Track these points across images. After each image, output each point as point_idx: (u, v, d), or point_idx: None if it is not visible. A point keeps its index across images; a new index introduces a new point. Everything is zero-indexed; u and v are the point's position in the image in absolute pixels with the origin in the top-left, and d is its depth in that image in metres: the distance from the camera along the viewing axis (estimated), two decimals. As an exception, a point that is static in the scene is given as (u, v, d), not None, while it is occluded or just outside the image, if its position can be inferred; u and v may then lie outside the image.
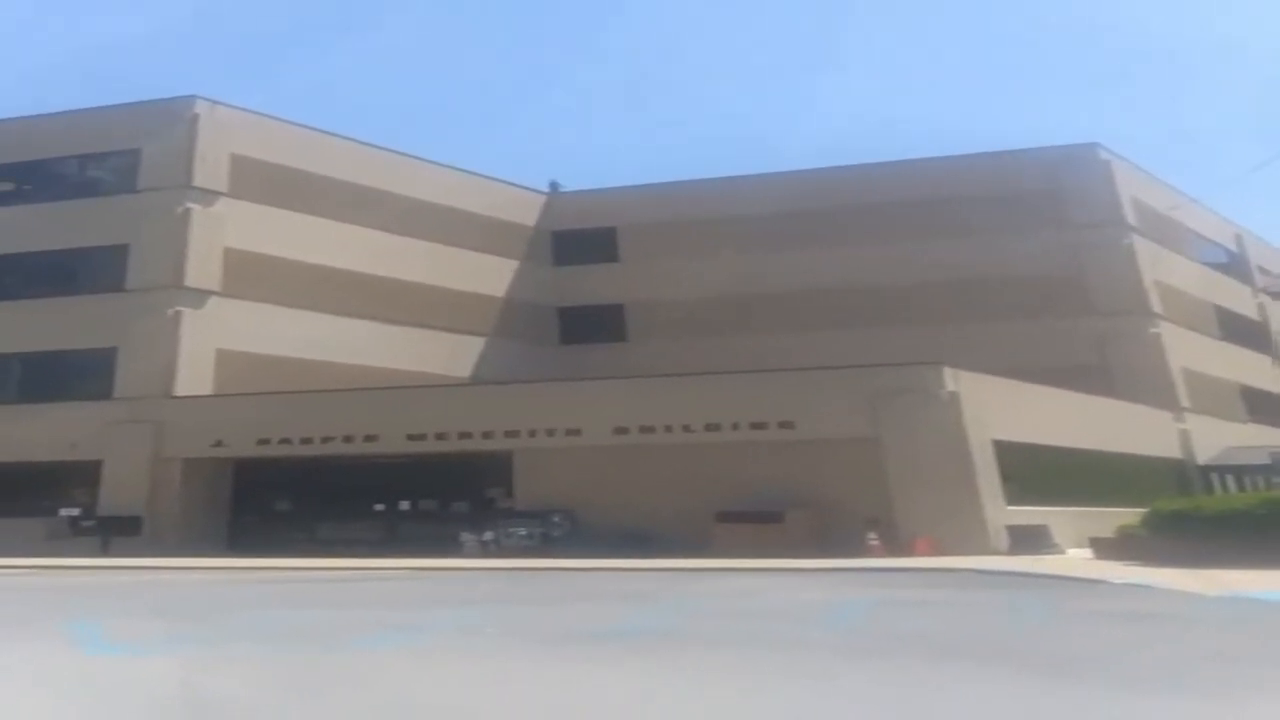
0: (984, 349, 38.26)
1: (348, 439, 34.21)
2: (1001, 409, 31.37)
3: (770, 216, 47.03)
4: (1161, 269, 45.72)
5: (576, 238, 50.14)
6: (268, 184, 40.60)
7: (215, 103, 41.22)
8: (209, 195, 39.38)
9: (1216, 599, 16.35)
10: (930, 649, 11.19)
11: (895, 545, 27.64)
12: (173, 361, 36.67)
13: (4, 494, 36.33)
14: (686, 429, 31.71)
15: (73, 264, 39.74)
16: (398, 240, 43.24)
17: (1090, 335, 42.45)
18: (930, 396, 30.58)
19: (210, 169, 39.74)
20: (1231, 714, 8.03)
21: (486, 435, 33.36)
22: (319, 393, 35.94)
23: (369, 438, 34.13)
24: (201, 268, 38.21)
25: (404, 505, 35.17)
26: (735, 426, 31.33)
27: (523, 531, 31.39)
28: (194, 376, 36.90)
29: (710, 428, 31.53)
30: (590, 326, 48.28)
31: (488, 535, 31.38)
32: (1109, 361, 41.84)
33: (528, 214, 50.03)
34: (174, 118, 40.39)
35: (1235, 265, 54.26)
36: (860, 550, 27.10)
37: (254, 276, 38.89)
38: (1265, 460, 40.47)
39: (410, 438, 33.86)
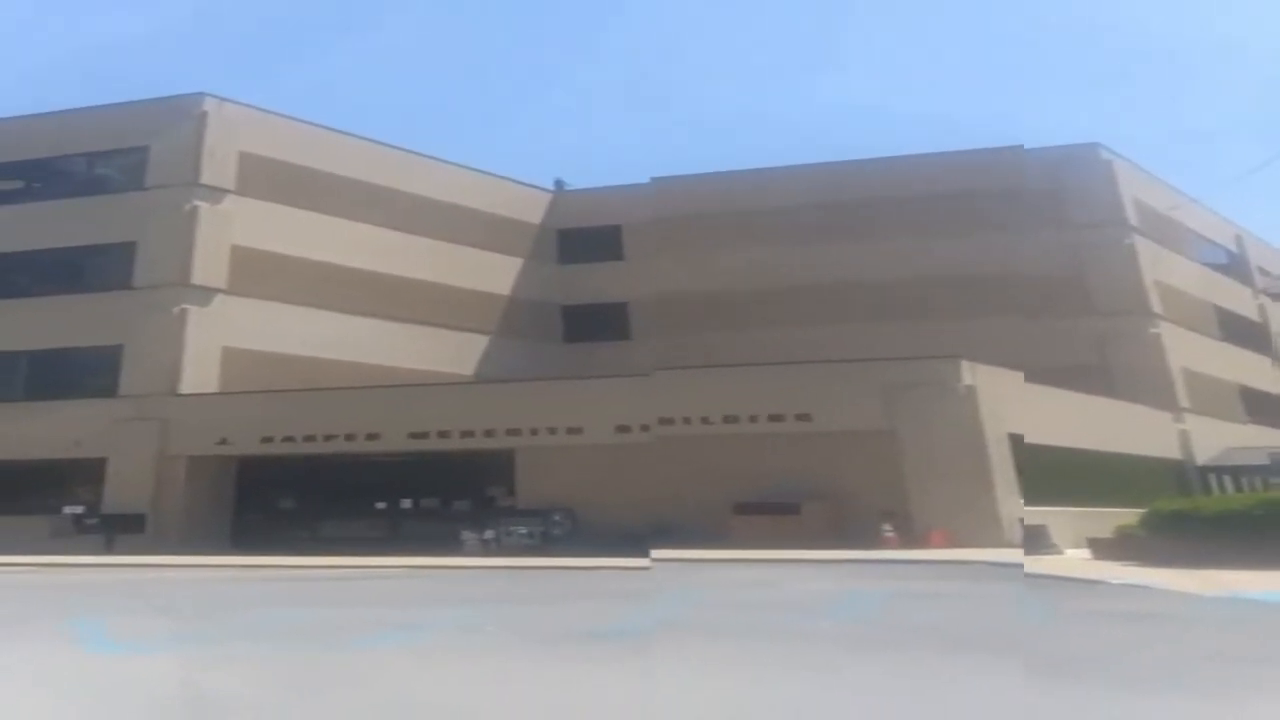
0: (985, 346, 38.05)
1: (350, 437, 34.27)
2: (1013, 404, 31.40)
3: (773, 213, 47.05)
4: (1162, 269, 45.75)
5: (581, 236, 50.17)
6: (275, 181, 40.62)
7: (223, 100, 41.19)
8: (216, 193, 39.41)
9: (1214, 599, 16.40)
10: (942, 643, 11.35)
11: (910, 537, 27.76)
12: (178, 359, 36.72)
13: (8, 491, 36.38)
14: (704, 421, 31.78)
15: (80, 261, 39.79)
16: (403, 238, 43.27)
17: (1090, 335, 42.49)
18: (947, 390, 30.71)
19: (218, 166, 39.77)
20: (1230, 714, 8.14)
21: (488, 434, 33.43)
22: (323, 391, 36.01)
23: (371, 436, 34.20)
24: (208, 265, 38.25)
25: (406, 503, 35.28)
26: (753, 419, 31.42)
27: (524, 530, 31.41)
28: (199, 374, 36.98)
29: (729, 420, 31.62)
30: (595, 324, 48.31)
31: (489, 534, 31.36)
32: (1109, 361, 41.86)
33: (533, 212, 50.05)
34: (182, 115, 40.41)
35: (1235, 266, 54.26)
36: (876, 542, 27.21)
37: (260, 274, 38.95)
38: (1264, 461, 40.46)
39: (412, 436, 33.94)
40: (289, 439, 34.49)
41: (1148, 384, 41.11)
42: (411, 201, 44.26)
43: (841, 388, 31.60)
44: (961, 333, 40.15)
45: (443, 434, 33.75)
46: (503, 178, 49.46)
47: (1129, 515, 25.81)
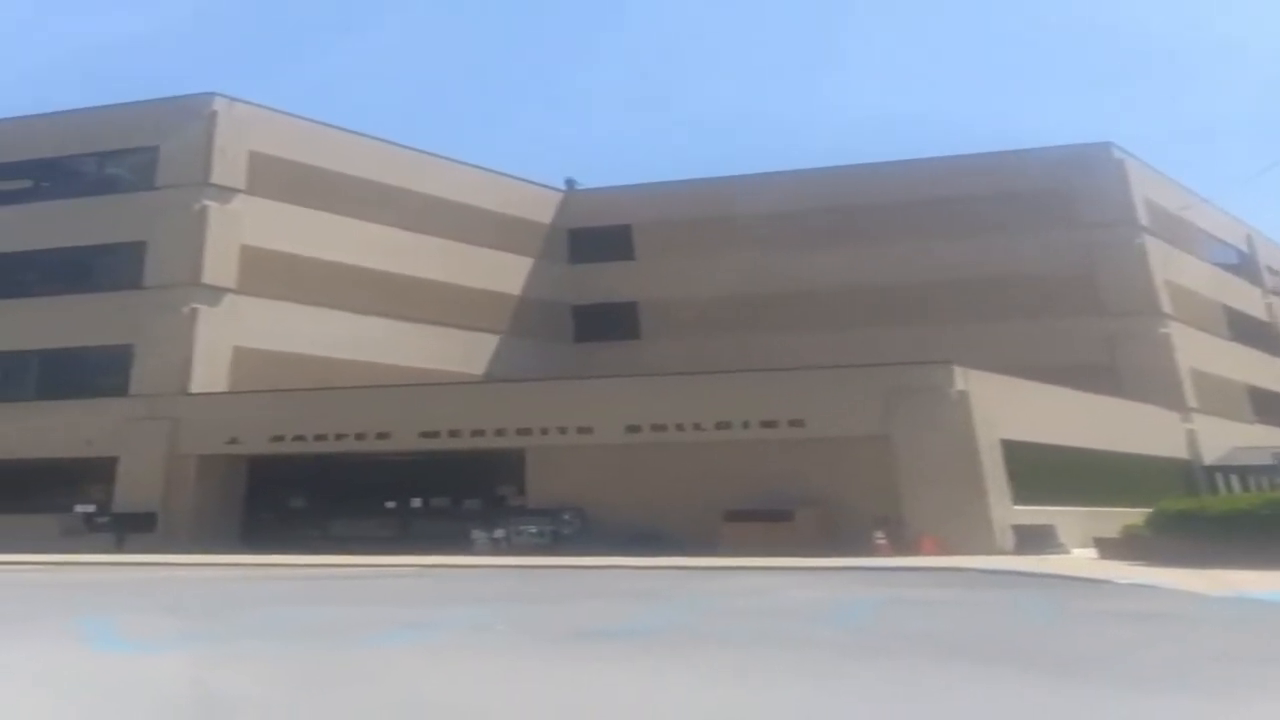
0: (993, 348, 38.27)
1: (361, 436, 34.35)
2: (1010, 408, 31.44)
3: (783, 215, 47.12)
4: (1172, 269, 45.73)
5: (592, 235, 50.20)
6: (285, 181, 40.73)
7: (233, 99, 41.31)
8: (226, 192, 39.54)
9: (1221, 599, 16.40)
10: (936, 648, 11.29)
11: (903, 544, 27.71)
12: (188, 358, 36.86)
13: (20, 490, 36.51)
14: (697, 427, 31.79)
15: (90, 261, 39.90)
16: (413, 237, 43.34)
17: (1099, 335, 42.51)
18: (940, 395, 30.65)
19: (228, 166, 39.90)
20: (1236, 714, 8.14)
21: (499, 433, 33.48)
22: (333, 390, 36.12)
23: (382, 435, 34.28)
24: (218, 265, 38.37)
25: (416, 502, 35.34)
26: (746, 425, 31.39)
27: (534, 529, 31.48)
28: (209, 373, 37.11)
29: (721, 426, 31.60)
30: (604, 324, 48.37)
31: (499, 533, 31.49)
32: (1117, 361, 41.88)
33: (543, 212, 50.11)
34: (192, 115, 40.57)
35: (1245, 266, 54.26)
36: (868, 549, 27.17)
37: (270, 274, 39.08)
38: (1271, 461, 40.48)
39: (423, 435, 34.02)
40: (299, 438, 34.58)
41: (1156, 384, 41.13)
42: (422, 201, 44.32)
43: (834, 394, 31.58)
44: (970, 335, 40.32)
45: (453, 433, 33.82)
46: (513, 177, 49.49)
47: (1136, 515, 25.86)
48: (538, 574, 23.58)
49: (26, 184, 42.23)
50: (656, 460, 31.69)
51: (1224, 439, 42.79)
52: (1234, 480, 40.96)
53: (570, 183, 52.61)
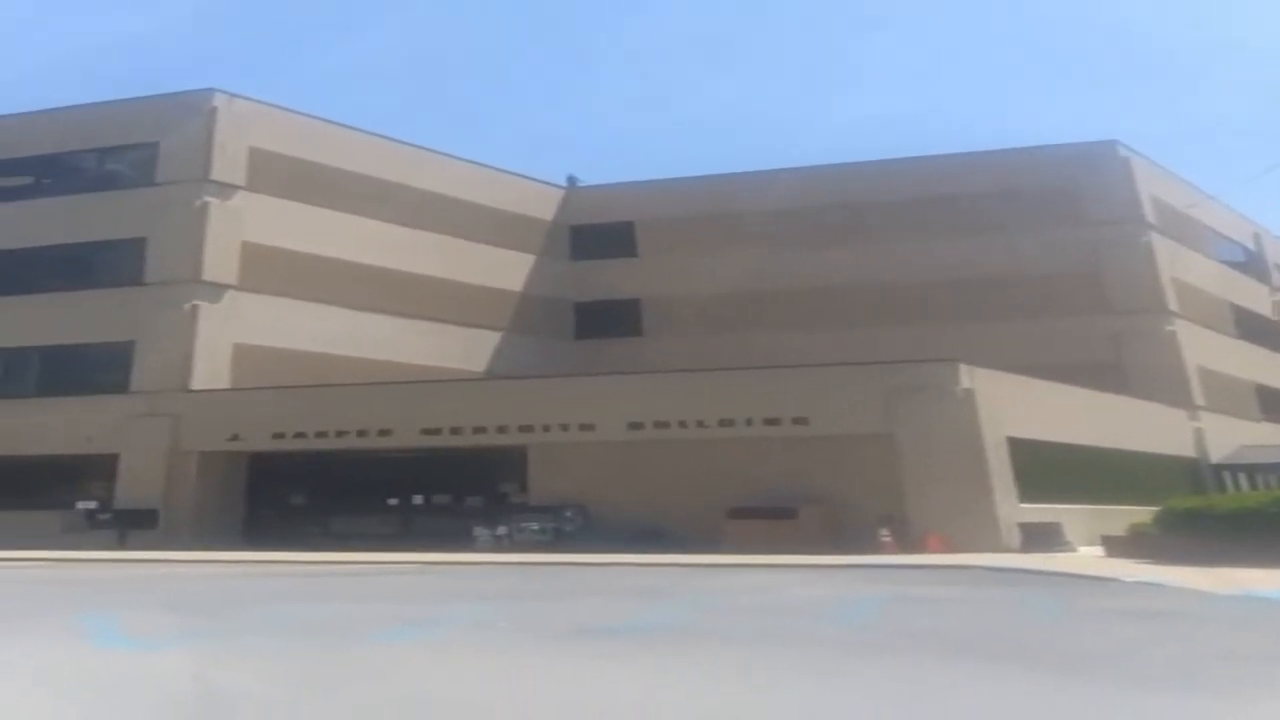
0: (999, 346, 38.20)
1: (362, 433, 34.27)
2: (1016, 406, 31.33)
3: (787, 212, 47.01)
4: (1179, 267, 45.57)
5: (594, 232, 50.09)
6: (285, 177, 40.61)
7: (233, 96, 41.17)
8: (227, 189, 39.42)
9: (1229, 597, 16.35)
10: (942, 646, 11.23)
11: (908, 542, 27.64)
12: (189, 355, 36.78)
13: (21, 487, 36.48)
14: (700, 424, 31.68)
15: (91, 257, 39.83)
16: (414, 234, 43.22)
17: (1106, 333, 42.36)
18: (945, 393, 30.54)
19: (228, 162, 39.79)
20: (1243, 712, 8.09)
21: (501, 430, 33.41)
22: (334, 387, 36.05)
23: (383, 432, 34.21)
24: (219, 261, 38.28)
25: (418, 499, 35.21)
26: (749, 422, 31.28)
27: (536, 526, 31.42)
28: (210, 370, 37.04)
29: (724, 423, 31.50)
30: (606, 321, 48.24)
31: (501, 530, 31.42)
32: (1124, 359, 41.75)
33: (545, 208, 49.97)
34: (192, 111, 40.44)
35: (1253, 264, 54.09)
36: (873, 547, 27.10)
37: (271, 270, 38.98)
38: (1278, 459, 40.39)
39: (425, 432, 33.96)
40: (301, 435, 34.53)
41: (1163, 382, 40.99)
42: (423, 197, 44.20)
43: (838, 391, 31.50)
44: (975, 333, 40.22)
45: (455, 430, 33.75)
46: (514, 174, 49.39)
47: (1143, 513, 25.80)
48: (540, 571, 23.56)
49: (27, 180, 42.19)
50: (659, 457, 31.60)
51: (1231, 437, 42.68)
52: (1242, 478, 40.87)
53: (572, 179, 52.45)
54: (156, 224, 38.89)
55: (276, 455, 35.39)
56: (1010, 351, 37.30)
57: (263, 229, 39.40)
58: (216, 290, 37.95)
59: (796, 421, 30.88)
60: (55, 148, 41.98)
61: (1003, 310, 42.88)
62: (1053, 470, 31.01)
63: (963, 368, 31.10)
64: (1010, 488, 29.83)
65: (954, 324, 41.87)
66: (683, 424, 31.81)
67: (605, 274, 49.12)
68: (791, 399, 31.27)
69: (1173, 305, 43.70)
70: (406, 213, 43.35)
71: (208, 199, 38.85)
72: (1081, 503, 30.64)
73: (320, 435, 34.46)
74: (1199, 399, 42.28)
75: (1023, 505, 29.59)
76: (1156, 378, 41.03)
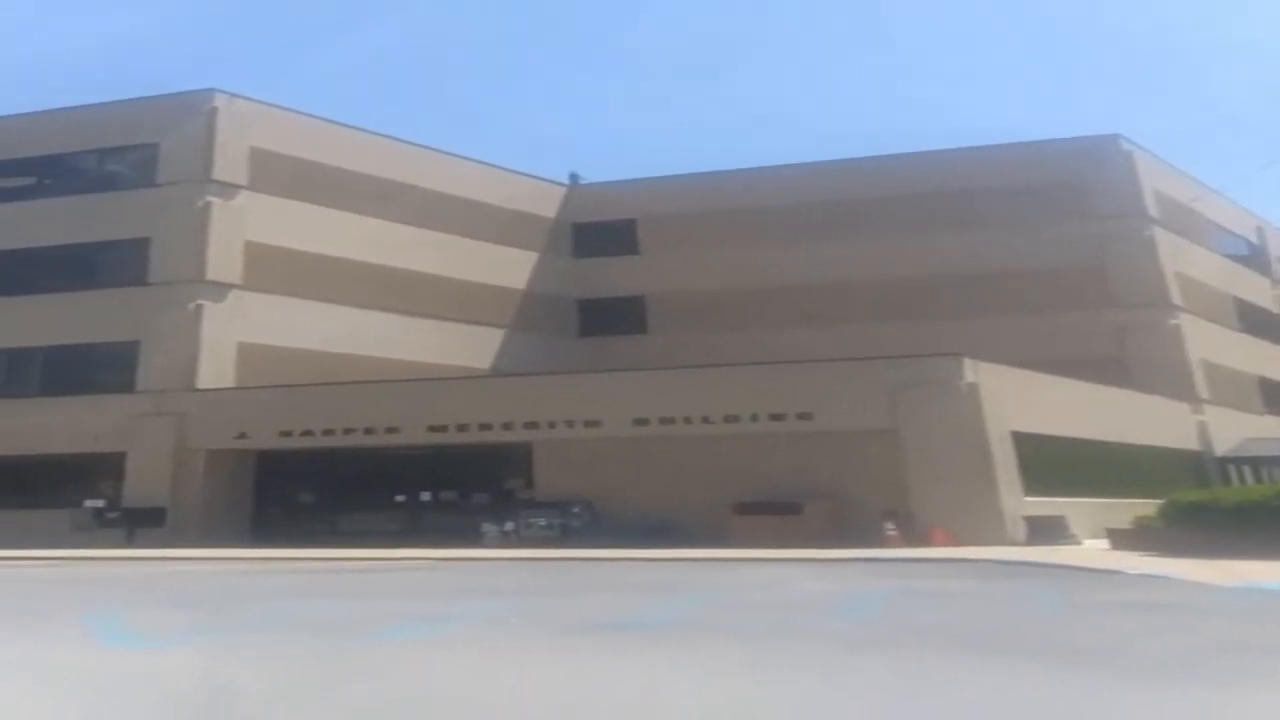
0: (1003, 340, 38.24)
1: (369, 431, 34.31)
2: (1020, 400, 31.37)
3: (790, 208, 47.05)
4: (1182, 261, 45.56)
5: (596, 230, 50.14)
6: (287, 177, 40.58)
7: (234, 96, 41.13)
8: (229, 189, 39.42)
9: (1232, 590, 16.40)
10: (948, 639, 11.29)
11: (913, 536, 27.65)
12: (195, 354, 36.83)
13: (30, 486, 36.72)
14: (706, 420, 31.65)
15: (95, 258, 39.88)
16: (417, 233, 43.16)
17: (1110, 327, 42.37)
18: (949, 388, 30.55)
19: (230, 162, 39.76)
20: (1246, 703, 8.08)
21: (506, 426, 33.46)
22: (340, 385, 36.09)
23: (390, 429, 34.24)
24: (222, 261, 38.30)
25: (425, 496, 35.25)
26: (754, 418, 31.27)
27: (543, 522, 31.45)
28: (216, 369, 37.10)
29: (729, 419, 31.47)
30: (610, 318, 48.31)
31: (508, 526, 31.38)
32: (1128, 353, 41.77)
33: (547, 206, 49.99)
34: (192, 111, 40.40)
35: (1256, 257, 54.08)
36: (878, 541, 27.10)
37: (274, 270, 38.99)
38: (1283, 452, 40.53)
39: (431, 429, 34.01)
40: (307, 433, 34.62)
41: (1167, 375, 40.99)
42: (425, 196, 44.16)
43: (843, 387, 31.48)
44: (979, 328, 40.26)
45: (461, 427, 33.81)
46: (516, 172, 49.40)
47: (1148, 506, 25.83)
48: (548, 567, 23.68)
49: (29, 181, 42.26)
50: (666, 453, 31.63)
51: (1235, 430, 42.69)
52: (1246, 471, 40.94)
53: (574, 177, 52.43)
54: (159, 224, 38.92)
55: (283, 453, 35.51)
56: (1014, 346, 37.36)
57: (265, 229, 39.39)
58: (220, 290, 37.99)
59: (801, 417, 30.89)
60: (57, 148, 41.94)
61: (1006, 305, 42.91)
62: (1057, 464, 31.04)
63: (967, 362, 31.09)
64: (1015, 481, 29.84)
65: (958, 319, 41.91)
66: (688, 420, 31.79)
67: (608, 271, 49.19)
68: (796, 394, 31.29)
69: (1176, 299, 43.71)
70: (409, 211, 43.33)
71: (210, 199, 38.84)
72: (1086, 496, 30.64)
73: (327, 433, 34.54)
74: (1203, 392, 42.30)
75: (1028, 499, 29.58)
76: (1160, 371, 41.05)
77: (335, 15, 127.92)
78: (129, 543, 32.39)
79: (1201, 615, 13.79)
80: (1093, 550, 25.20)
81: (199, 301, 37.41)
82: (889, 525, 27.69)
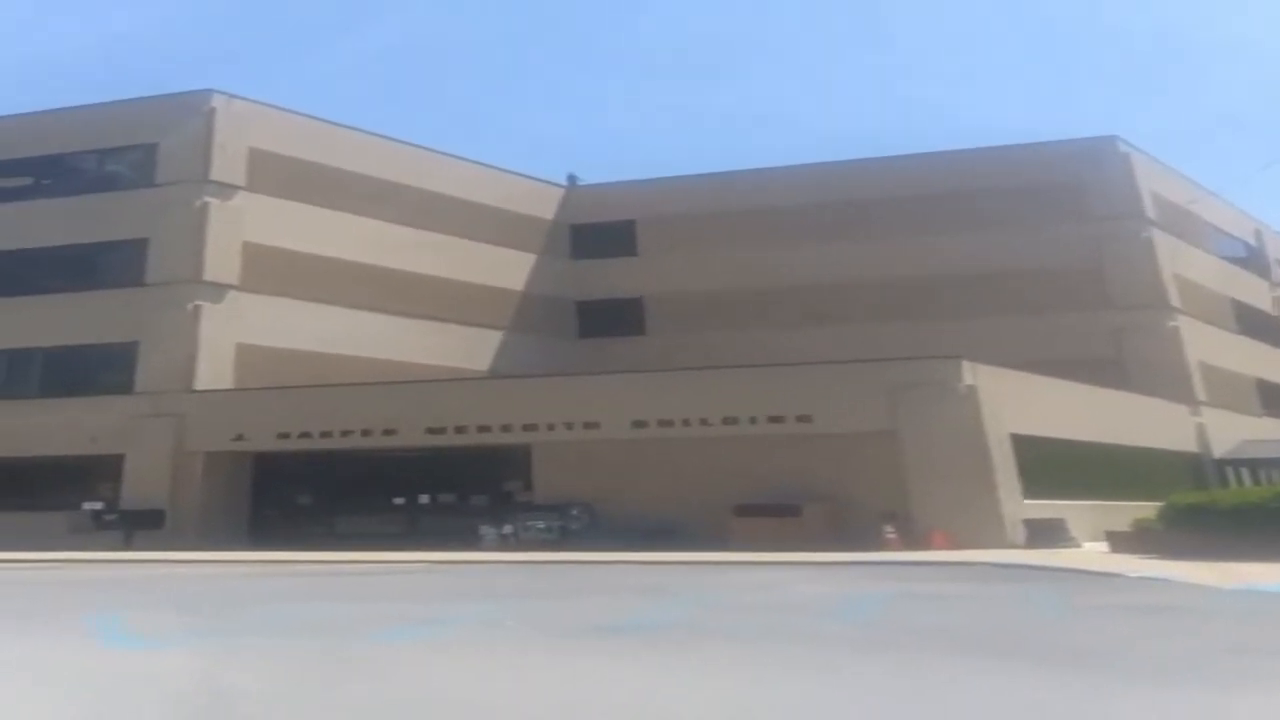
0: (1001, 342, 38.32)
1: (366, 433, 34.28)
2: (1019, 402, 31.37)
3: (789, 210, 46.98)
4: (1180, 262, 45.55)
5: (595, 231, 50.02)
6: (285, 177, 40.52)
7: (232, 96, 41.08)
8: (227, 189, 39.36)
9: (1232, 592, 16.40)
10: (948, 643, 11.26)
11: (912, 539, 27.69)
12: (193, 356, 36.75)
13: (27, 488, 36.63)
14: (705, 422, 31.64)
15: (92, 258, 39.76)
16: (415, 233, 43.10)
17: (1108, 329, 42.35)
18: (948, 390, 30.56)
19: (228, 163, 39.72)
20: (1246, 705, 8.07)
21: (505, 428, 33.42)
22: (338, 387, 36.00)
23: (388, 431, 34.20)
24: (220, 262, 38.24)
25: (423, 499, 35.20)
26: (753, 420, 31.27)
27: (541, 525, 31.36)
28: (214, 371, 37.02)
29: (728, 421, 31.47)
30: (609, 320, 48.20)
31: (507, 528, 31.32)
32: (1126, 355, 41.75)
33: (546, 207, 49.90)
34: (190, 111, 40.35)
35: (1254, 259, 54.07)
36: (877, 544, 27.12)
37: (272, 270, 38.93)
38: (1280, 454, 40.51)
39: (429, 431, 33.98)
40: (305, 435, 34.56)
41: (1165, 377, 40.99)
42: (423, 197, 44.09)
43: (842, 389, 31.48)
44: (977, 329, 40.26)
45: (459, 429, 33.77)
46: (514, 173, 49.30)
47: (1147, 508, 25.79)
48: (546, 569, 23.58)
49: (27, 181, 42.16)
50: (665, 455, 31.60)
51: (1233, 432, 42.69)
52: (1244, 473, 40.94)
53: (572, 178, 52.31)
54: (157, 224, 38.86)
55: (281, 455, 35.41)
56: (1012, 347, 37.43)
57: (264, 229, 39.33)
58: (218, 290, 37.92)
59: (800, 419, 30.90)
60: (55, 149, 41.86)
61: (1005, 306, 42.89)
62: (1056, 466, 31.03)
63: (966, 364, 31.12)
64: (1014, 484, 29.86)
65: (956, 320, 41.88)
66: (687, 422, 31.80)
67: (607, 273, 49.09)
68: (795, 396, 31.29)
69: (1174, 301, 43.70)
70: (407, 212, 43.26)
71: (208, 199, 38.80)
72: (1085, 498, 30.65)
73: (325, 435, 34.48)
74: (1201, 394, 42.29)
75: (1027, 501, 29.60)
76: (1158, 373, 41.04)
77: (335, 16, 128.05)
78: (127, 545, 32.31)
79: (1201, 618, 13.77)
80: (1092, 553, 25.20)
81: (197, 302, 37.34)
82: (888, 528, 27.72)
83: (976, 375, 30.98)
